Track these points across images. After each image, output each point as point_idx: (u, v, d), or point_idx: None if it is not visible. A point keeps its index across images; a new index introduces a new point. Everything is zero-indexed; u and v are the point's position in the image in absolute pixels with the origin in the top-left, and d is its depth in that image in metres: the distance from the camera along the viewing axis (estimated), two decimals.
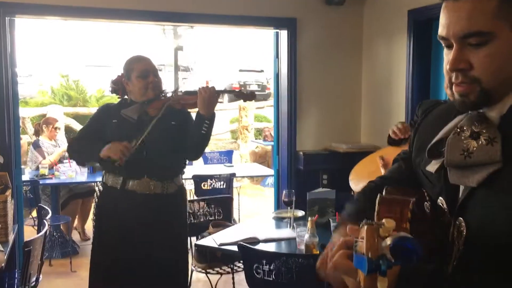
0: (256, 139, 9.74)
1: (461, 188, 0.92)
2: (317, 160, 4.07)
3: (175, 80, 10.26)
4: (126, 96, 2.55)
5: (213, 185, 5.08)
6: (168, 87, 2.61)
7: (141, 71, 2.46)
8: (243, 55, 17.76)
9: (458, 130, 0.90)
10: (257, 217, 3.68)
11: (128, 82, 2.49)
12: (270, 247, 2.76)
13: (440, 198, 0.98)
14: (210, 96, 2.39)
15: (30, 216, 4.82)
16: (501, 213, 0.83)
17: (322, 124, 4.21)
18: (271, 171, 5.39)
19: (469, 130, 0.89)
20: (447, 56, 0.90)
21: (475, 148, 0.87)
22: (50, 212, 3.09)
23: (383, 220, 0.78)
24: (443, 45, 0.92)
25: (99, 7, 3.60)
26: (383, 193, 1.02)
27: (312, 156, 4.08)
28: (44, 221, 2.86)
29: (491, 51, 0.85)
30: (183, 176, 5.18)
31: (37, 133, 5.34)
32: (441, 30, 0.90)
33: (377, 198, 0.94)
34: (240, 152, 9.40)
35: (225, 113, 10.92)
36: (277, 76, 4.21)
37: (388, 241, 0.74)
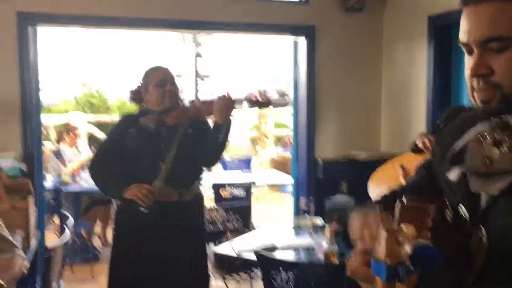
0: (275, 146, 9.74)
1: (483, 196, 0.90)
2: (336, 168, 4.05)
3: (195, 87, 10.34)
4: (144, 105, 2.58)
5: (232, 193, 5.09)
6: (187, 94, 2.62)
7: (158, 80, 2.48)
8: (263, 62, 17.78)
9: (480, 137, 0.89)
10: (275, 224, 3.67)
11: (145, 92, 2.52)
12: (288, 255, 2.75)
13: (462, 206, 0.96)
14: (226, 105, 2.40)
15: (52, 222, 4.90)
16: None
17: (341, 131, 4.18)
18: (290, 179, 5.37)
19: (492, 137, 0.88)
20: (469, 62, 0.89)
21: (497, 156, 0.85)
22: (72, 219, 3.13)
23: (403, 226, 0.77)
24: (464, 51, 0.91)
25: (121, 16, 3.66)
26: (403, 200, 1.01)
27: (331, 164, 4.06)
28: (66, 229, 2.90)
29: None
30: (202, 183, 5.25)
31: (59, 140, 5.43)
32: (462, 36, 0.89)
33: (397, 205, 0.92)
34: (259, 159, 9.40)
35: (245, 120, 10.95)
36: (296, 84, 4.20)
37: (408, 248, 0.73)
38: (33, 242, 2.90)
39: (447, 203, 1.00)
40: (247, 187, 5.11)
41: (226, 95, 2.46)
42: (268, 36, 4.52)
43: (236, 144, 10.78)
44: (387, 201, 1.08)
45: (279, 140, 10.15)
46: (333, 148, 4.15)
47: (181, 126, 2.46)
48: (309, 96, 4.03)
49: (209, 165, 2.71)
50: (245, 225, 3.84)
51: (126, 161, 2.50)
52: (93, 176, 2.57)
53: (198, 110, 2.50)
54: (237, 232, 3.46)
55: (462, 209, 0.96)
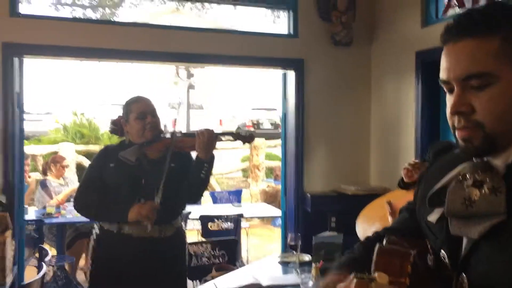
0: (267, 178, 9.68)
1: (464, 241, 0.87)
2: (325, 202, 3.99)
3: (187, 119, 10.34)
4: (124, 138, 2.53)
5: (221, 226, 5.01)
6: (168, 127, 2.58)
7: (138, 112, 2.43)
8: (256, 94, 17.94)
9: (461, 178, 0.86)
10: (262, 260, 3.58)
11: (126, 123, 2.47)
12: None
13: (442, 251, 0.92)
14: (209, 139, 2.35)
15: (36, 256, 4.77)
16: (504, 269, 0.77)
17: (331, 165, 4.15)
18: (279, 212, 5.31)
19: (472, 178, 0.84)
20: (449, 100, 0.87)
21: (477, 198, 0.82)
22: (49, 253, 3.04)
23: (376, 274, 0.73)
24: (445, 89, 0.89)
25: (111, 48, 3.66)
26: (384, 243, 0.97)
27: (320, 197, 4.00)
28: (43, 263, 2.80)
29: (493, 94, 0.81)
30: (190, 216, 5.17)
31: (45, 172, 5.35)
32: (442, 74, 0.88)
33: (376, 249, 0.88)
34: (251, 191, 9.32)
35: (237, 151, 10.91)
36: (284, 116, 4.19)
37: None
38: (9, 279, 2.80)
39: (429, 247, 0.96)
40: (236, 220, 5.03)
41: (220, 123, 2.43)
42: (258, 69, 4.53)
43: (228, 176, 10.72)
44: (370, 244, 1.04)
45: (271, 172, 10.10)
46: (322, 181, 4.11)
47: (166, 160, 2.39)
48: (297, 129, 4.01)
49: (192, 200, 2.63)
50: (233, 261, 3.74)
51: (106, 195, 2.42)
52: (82, 207, 2.48)
53: (180, 143, 2.44)
54: (223, 269, 3.37)
55: (443, 254, 0.92)
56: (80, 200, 2.48)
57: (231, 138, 2.45)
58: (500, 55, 0.81)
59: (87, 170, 2.58)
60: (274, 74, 4.31)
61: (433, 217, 0.93)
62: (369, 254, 0.88)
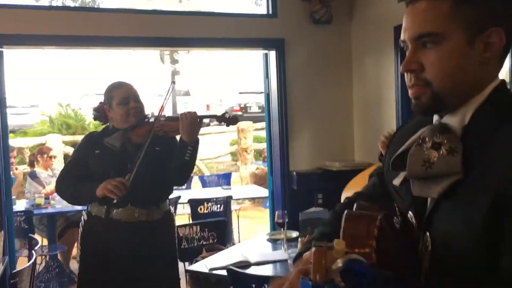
0: (256, 160, 9.71)
1: (429, 201, 0.90)
2: (310, 180, 4.04)
3: (173, 105, 10.30)
4: (108, 123, 2.53)
5: (210, 209, 5.04)
6: (153, 111, 2.58)
7: (121, 98, 2.42)
8: (243, 78, 17.89)
9: (420, 141, 0.89)
10: (251, 239, 3.63)
11: (109, 109, 2.46)
12: (263, 270, 2.71)
13: (410, 212, 0.96)
14: (192, 122, 2.33)
15: (27, 247, 4.78)
16: (462, 225, 0.81)
17: (315, 143, 4.19)
18: (267, 192, 5.36)
19: (431, 140, 0.88)
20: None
21: (435, 159, 0.85)
22: (39, 242, 3.06)
23: (334, 242, 0.75)
24: (404, 50, 0.93)
25: (94, 35, 3.64)
26: (353, 208, 0.99)
27: (306, 175, 4.05)
28: (33, 252, 2.83)
29: (442, 53, 0.86)
30: (180, 201, 5.19)
31: (32, 164, 5.34)
32: (401, 34, 0.92)
33: (344, 215, 0.91)
34: (240, 174, 9.36)
35: (225, 135, 10.92)
36: (267, 97, 4.21)
37: (339, 263, 0.70)
38: (0, 268, 2.82)
39: (396, 210, 1.00)
40: (226, 203, 5.06)
41: (191, 112, 2.39)
42: (240, 51, 4.53)
43: (218, 160, 10.74)
44: (341, 211, 1.07)
45: (260, 155, 10.13)
46: (307, 159, 4.15)
47: (146, 143, 2.37)
48: (280, 109, 4.04)
49: (178, 184, 2.63)
50: (223, 241, 3.78)
51: (92, 182, 2.42)
52: (61, 193, 2.50)
53: (165, 127, 2.43)
54: (214, 249, 3.41)
55: (410, 215, 0.95)
56: (60, 184, 2.49)
57: (215, 120, 2.44)
58: (451, 17, 0.85)
59: (71, 157, 2.59)
60: (259, 56, 4.32)
61: (397, 181, 0.97)
62: (339, 221, 0.91)
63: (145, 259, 2.41)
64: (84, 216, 2.50)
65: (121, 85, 2.49)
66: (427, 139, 0.88)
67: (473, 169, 0.82)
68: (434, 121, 0.94)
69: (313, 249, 0.72)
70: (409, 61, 0.88)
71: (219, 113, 2.49)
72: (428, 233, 0.88)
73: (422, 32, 0.87)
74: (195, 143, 2.38)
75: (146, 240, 2.41)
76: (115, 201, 2.30)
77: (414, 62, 0.88)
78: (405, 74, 0.91)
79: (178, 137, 2.47)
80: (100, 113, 2.51)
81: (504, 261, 0.77)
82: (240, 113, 14.68)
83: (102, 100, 2.52)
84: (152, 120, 2.48)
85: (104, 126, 2.59)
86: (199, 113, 2.42)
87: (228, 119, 2.46)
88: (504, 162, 0.79)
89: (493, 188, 0.78)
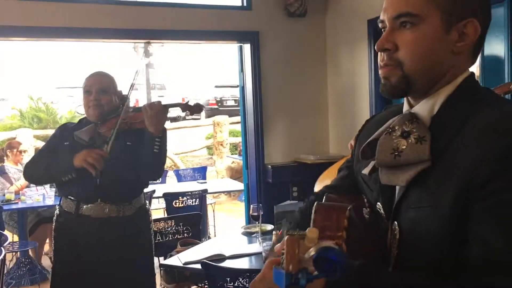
0: (232, 154, 9.69)
1: (397, 190, 0.91)
2: (286, 173, 4.05)
3: (147, 99, 10.18)
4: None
5: (186, 203, 5.00)
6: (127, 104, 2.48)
7: (85, 87, 2.36)
8: (219, 71, 17.81)
9: (390, 130, 0.90)
10: (226, 233, 3.62)
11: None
12: (237, 264, 2.70)
13: (378, 203, 0.96)
14: (157, 113, 2.25)
15: None
16: (430, 213, 0.82)
17: (290, 136, 4.20)
18: (243, 186, 5.36)
19: (400, 129, 0.88)
20: None
21: (404, 147, 0.86)
22: (9, 237, 2.98)
23: (306, 230, 0.74)
24: (382, 30, 0.93)
25: (67, 27, 3.57)
26: (323, 200, 0.99)
27: (281, 168, 4.06)
28: (2, 248, 2.75)
29: (417, 35, 0.86)
30: (155, 195, 5.14)
31: (1, 159, 5.20)
32: (381, 14, 0.92)
33: (314, 206, 0.90)
34: (216, 168, 9.33)
35: (201, 129, 10.85)
36: (242, 90, 4.19)
37: (312, 252, 0.70)
38: None
39: (365, 201, 1.00)
40: (201, 196, 5.03)
41: (183, 100, 2.34)
42: (215, 44, 4.49)
43: (193, 154, 10.67)
44: (311, 203, 1.07)
45: (235, 148, 10.11)
46: (282, 152, 4.16)
47: (111, 137, 2.29)
48: (255, 102, 4.03)
49: (151, 178, 2.53)
50: (198, 236, 3.76)
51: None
52: (31, 174, 2.43)
53: (130, 119, 2.34)
54: (188, 243, 3.39)
55: (379, 206, 0.96)
56: (28, 169, 2.43)
57: (179, 109, 2.38)
58: (431, 1, 0.86)
59: (42, 147, 2.53)
60: (235, 49, 4.29)
61: (366, 170, 0.97)
62: (309, 214, 0.91)
63: (118, 255, 2.35)
64: (57, 211, 2.45)
65: (91, 75, 2.41)
66: (396, 128, 0.89)
67: (440, 157, 0.83)
68: (404, 110, 0.94)
69: (286, 237, 0.70)
70: (385, 40, 0.89)
71: (182, 102, 2.43)
72: (396, 222, 0.89)
73: (401, 11, 0.87)
74: (163, 134, 2.30)
75: (118, 236, 2.35)
76: (95, 174, 2.23)
77: (389, 41, 0.88)
78: (379, 54, 0.91)
79: None
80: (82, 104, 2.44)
81: (468, 248, 0.78)
82: (216, 106, 14.61)
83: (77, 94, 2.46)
84: (121, 113, 2.40)
85: (80, 118, 2.52)
86: (173, 110, 2.36)
87: (192, 107, 2.38)
88: (471, 151, 0.79)
89: (460, 176, 0.79)
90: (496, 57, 2.93)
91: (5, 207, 4.51)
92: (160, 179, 6.05)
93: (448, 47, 0.87)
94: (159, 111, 2.26)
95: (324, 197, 1.02)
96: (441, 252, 0.81)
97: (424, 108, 0.89)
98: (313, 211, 0.90)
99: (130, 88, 2.42)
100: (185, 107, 2.37)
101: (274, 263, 0.79)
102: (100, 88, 2.36)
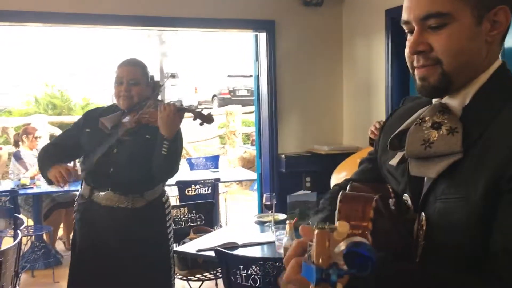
0: (244, 144, 9.70)
1: (425, 181, 0.90)
2: (299, 163, 4.04)
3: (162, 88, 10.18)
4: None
5: (198, 191, 5.02)
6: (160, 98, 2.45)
7: (117, 77, 2.35)
8: (232, 60, 17.75)
9: (420, 120, 0.88)
10: (239, 221, 3.63)
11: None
12: (250, 252, 2.71)
13: (405, 194, 0.95)
14: (169, 115, 2.19)
15: (12, 227, 4.74)
16: (459, 205, 0.81)
17: (304, 126, 4.18)
18: (255, 175, 5.36)
19: (431, 120, 0.87)
20: (409, 41, 0.89)
21: (435, 138, 0.85)
22: (24, 222, 3.03)
23: (336, 223, 0.72)
24: (406, 30, 0.91)
25: (81, 13, 3.58)
26: (347, 189, 0.98)
27: (294, 158, 4.05)
28: (18, 231, 2.79)
29: (451, 33, 0.84)
30: (167, 183, 5.17)
31: (17, 144, 5.26)
32: (404, 14, 0.90)
33: (339, 196, 0.89)
34: (228, 157, 9.35)
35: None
36: (257, 79, 4.18)
37: (342, 246, 0.67)
38: None
39: (390, 191, 0.99)
40: (213, 185, 5.05)
41: (171, 104, 2.22)
42: (230, 33, 4.48)
43: (206, 143, 10.69)
44: (334, 196, 1.06)
45: (248, 138, 10.11)
46: (296, 143, 4.15)
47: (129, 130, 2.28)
48: (270, 91, 4.02)
49: (162, 177, 2.44)
50: (210, 224, 3.78)
51: (79, 159, 2.41)
52: (38, 158, 2.46)
53: (149, 116, 2.29)
54: (201, 231, 3.41)
55: (405, 197, 0.95)
56: (41, 151, 2.48)
57: (191, 115, 2.25)
58: None
59: (63, 131, 2.56)
60: (249, 39, 4.27)
61: (394, 161, 0.96)
62: (334, 206, 0.89)
63: (128, 244, 2.35)
64: (77, 194, 2.49)
65: (124, 63, 2.38)
66: (427, 119, 0.88)
67: (472, 149, 0.82)
68: (433, 101, 0.93)
69: (316, 231, 0.68)
70: (417, 42, 0.87)
71: (196, 109, 2.31)
72: (423, 213, 0.88)
73: (429, 12, 0.84)
74: (174, 137, 2.23)
75: (127, 226, 2.35)
76: (58, 187, 2.29)
77: (422, 43, 0.86)
78: (409, 57, 0.90)
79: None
80: None
81: (495, 240, 0.77)
82: (228, 96, 14.63)
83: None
84: (151, 105, 2.33)
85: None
86: (186, 99, 2.31)
87: (203, 117, 2.27)
88: (504, 143, 0.78)
89: (491, 168, 0.78)
90: None
91: (20, 192, 4.56)
92: None
93: (482, 38, 0.86)
94: (172, 113, 2.20)
95: (349, 185, 1.00)
96: (469, 243, 0.80)
97: (456, 98, 0.88)
98: (338, 200, 0.88)
99: (159, 86, 2.41)
100: (197, 115, 2.26)
101: (298, 264, 0.76)
102: (132, 80, 2.33)
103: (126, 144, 2.29)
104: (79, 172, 2.34)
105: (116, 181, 2.31)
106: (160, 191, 2.49)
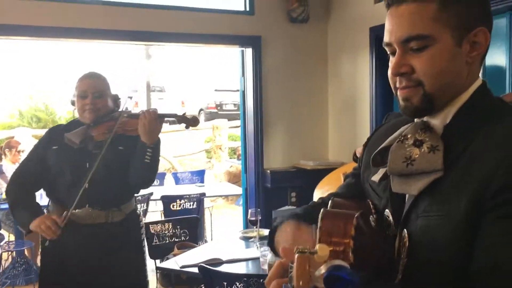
0: (230, 158, 9.69)
1: (407, 198, 0.91)
2: (284, 178, 4.05)
3: (147, 101, 10.18)
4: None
5: (183, 206, 4.98)
6: (123, 107, 2.42)
7: (80, 91, 2.29)
8: (219, 75, 17.82)
9: (402, 138, 0.90)
10: (224, 237, 3.61)
11: (75, 101, 2.34)
12: (234, 268, 2.69)
13: (386, 210, 0.95)
14: (151, 122, 2.17)
15: None
16: (440, 222, 0.82)
17: (290, 141, 4.20)
18: (241, 190, 5.35)
19: (413, 138, 0.88)
20: (392, 62, 0.90)
21: (417, 156, 0.86)
22: (5, 237, 2.97)
23: (317, 247, 0.72)
24: (388, 52, 0.92)
25: (68, 27, 3.57)
26: (329, 205, 0.98)
27: (279, 173, 4.06)
28: None
29: (432, 55, 0.86)
30: (152, 197, 5.12)
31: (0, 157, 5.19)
32: (386, 37, 0.91)
33: (320, 213, 0.89)
34: (214, 171, 9.32)
35: (200, 132, 10.85)
36: (243, 94, 4.19)
37: (322, 270, 0.67)
38: None
39: (372, 208, 0.99)
40: (199, 200, 5.02)
41: (151, 111, 2.20)
42: (217, 48, 4.50)
43: (192, 157, 10.66)
44: (313, 209, 1.06)
45: (234, 153, 10.12)
46: (282, 158, 4.16)
47: (106, 143, 2.21)
48: (256, 106, 4.03)
49: (141, 187, 2.45)
50: (195, 239, 3.74)
51: (50, 179, 2.28)
52: (6, 193, 2.31)
53: (125, 126, 2.26)
54: (185, 246, 3.38)
55: (386, 212, 0.95)
56: (12, 182, 2.32)
57: (175, 120, 2.27)
58: (438, 19, 0.85)
59: (28, 154, 2.41)
60: (236, 54, 4.29)
61: (376, 177, 0.97)
62: (312, 211, 0.91)
63: (106, 261, 2.28)
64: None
65: (85, 77, 2.34)
66: (409, 136, 0.89)
67: (453, 167, 0.83)
68: (415, 119, 0.94)
69: (297, 255, 0.69)
70: (399, 64, 0.88)
71: (179, 113, 2.33)
72: (405, 230, 0.88)
73: (411, 35, 0.86)
74: (156, 145, 2.22)
75: (105, 242, 2.29)
76: (46, 242, 2.19)
77: (404, 65, 0.88)
78: (392, 77, 0.91)
79: None
80: (74, 105, 2.40)
81: (477, 259, 0.77)
82: (215, 110, 14.62)
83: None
84: (117, 116, 2.30)
85: (71, 119, 2.47)
86: (169, 110, 2.30)
87: (188, 120, 2.29)
88: (489, 155, 0.79)
89: (472, 186, 0.79)
90: (498, 67, 2.93)
91: (2, 206, 4.49)
92: (158, 181, 6.04)
93: (462, 59, 0.87)
94: (154, 120, 2.19)
95: (330, 201, 1.01)
96: (450, 260, 0.81)
97: (437, 117, 0.90)
98: (319, 218, 0.88)
99: (118, 98, 2.39)
100: (181, 119, 2.28)
101: (280, 284, 0.77)
102: (97, 92, 2.29)
103: (99, 157, 2.21)
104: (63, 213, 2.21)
105: (93, 196, 2.24)
106: (134, 203, 2.46)
